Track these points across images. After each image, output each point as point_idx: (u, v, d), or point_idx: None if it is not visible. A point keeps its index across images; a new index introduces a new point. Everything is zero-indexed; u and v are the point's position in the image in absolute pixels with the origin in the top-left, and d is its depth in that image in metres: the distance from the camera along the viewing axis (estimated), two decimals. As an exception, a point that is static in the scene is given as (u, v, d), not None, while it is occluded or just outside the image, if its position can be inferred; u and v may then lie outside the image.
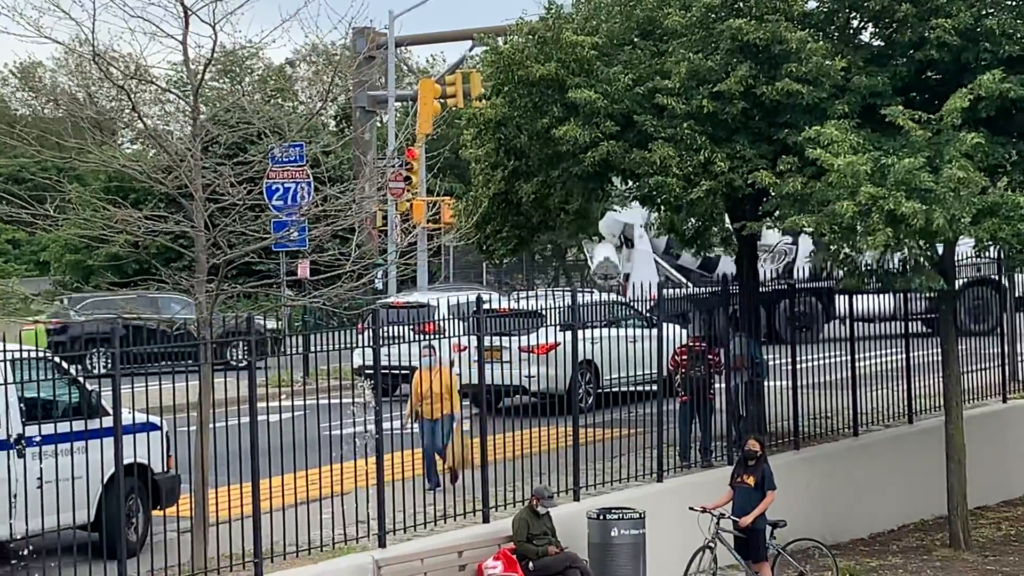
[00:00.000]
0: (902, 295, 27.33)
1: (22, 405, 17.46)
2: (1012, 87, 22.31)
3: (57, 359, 17.63)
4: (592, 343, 23.45)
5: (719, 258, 37.54)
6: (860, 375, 27.13)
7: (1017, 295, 33.52)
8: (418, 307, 31.93)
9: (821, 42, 23.38)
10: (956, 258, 24.65)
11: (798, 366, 25.62)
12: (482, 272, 64.35)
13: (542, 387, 24.28)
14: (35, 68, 77.38)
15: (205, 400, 17.60)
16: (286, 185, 34.51)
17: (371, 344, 19.32)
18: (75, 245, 54.90)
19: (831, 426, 26.47)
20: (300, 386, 23.95)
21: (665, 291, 24.52)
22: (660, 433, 22.95)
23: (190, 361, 17.73)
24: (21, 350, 17.09)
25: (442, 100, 50.79)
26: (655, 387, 23.17)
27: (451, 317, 21.13)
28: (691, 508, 20.78)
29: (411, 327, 21.56)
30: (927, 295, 25.79)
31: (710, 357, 24.09)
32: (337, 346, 19.41)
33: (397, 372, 23.71)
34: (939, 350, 25.46)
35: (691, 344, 24.21)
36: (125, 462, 16.86)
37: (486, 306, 21.13)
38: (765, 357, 25.56)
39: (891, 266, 23.67)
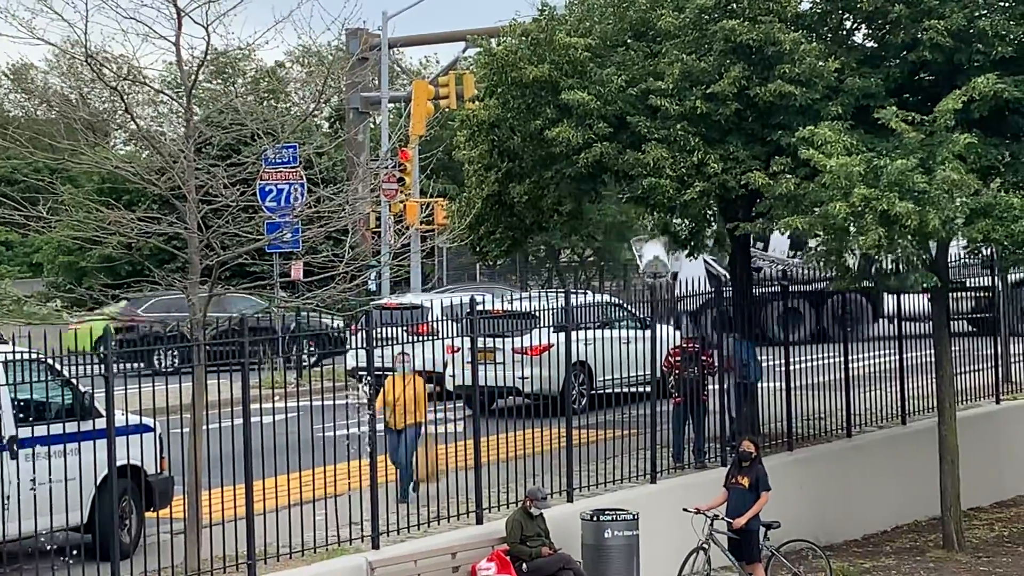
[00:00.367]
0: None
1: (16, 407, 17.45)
2: (1006, 88, 22.33)
3: (49, 360, 17.59)
4: (586, 344, 23.44)
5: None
6: (853, 376, 27.17)
7: None
8: (411, 308, 31.91)
9: (814, 43, 23.40)
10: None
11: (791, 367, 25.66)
12: (476, 273, 64.37)
13: (535, 388, 24.27)
14: (27, 69, 77.33)
15: (198, 402, 17.59)
16: (279, 186, 34.51)
17: (364, 345, 19.32)
18: (68, 247, 54.80)
19: (825, 427, 26.48)
20: (293, 387, 23.91)
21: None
22: (654, 434, 22.96)
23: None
24: (13, 351, 17.08)
25: (435, 101, 50.78)
26: (649, 388, 23.18)
27: (444, 319, 21.12)
28: (685, 509, 20.78)
29: (405, 328, 21.51)
30: (977, 295, 25.90)
31: (703, 358, 24.10)
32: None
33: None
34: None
35: (684, 345, 24.20)
36: (118, 464, 16.85)
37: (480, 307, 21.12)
38: (760, 358, 25.57)
39: (883, 266, 23.69)
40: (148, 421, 18.80)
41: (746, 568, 20.89)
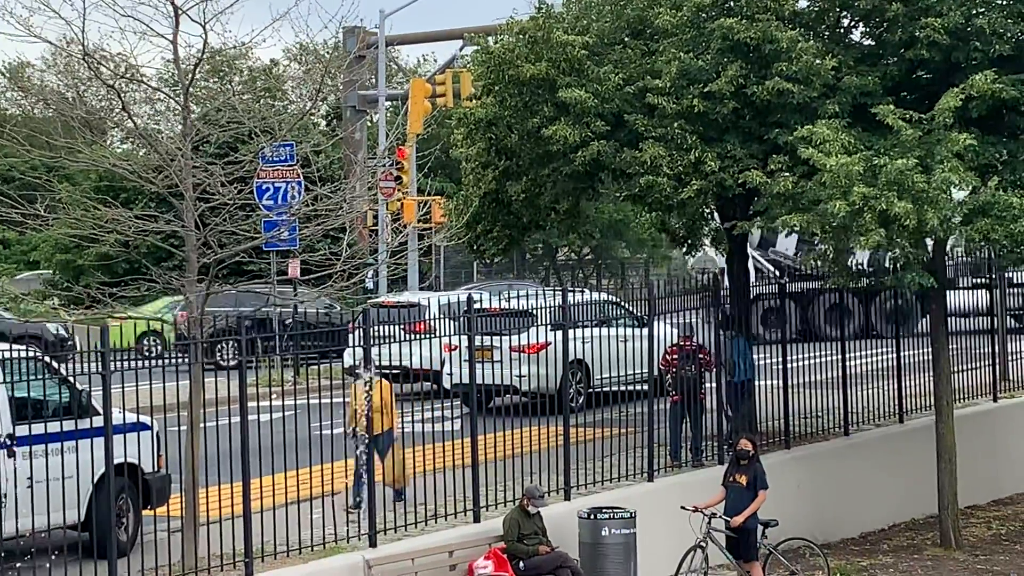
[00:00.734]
0: (996, 291, 27.37)
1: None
2: (1003, 87, 22.33)
3: (47, 358, 17.57)
4: (583, 342, 23.44)
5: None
6: (851, 374, 27.19)
7: None
8: (409, 307, 31.90)
9: (812, 41, 23.40)
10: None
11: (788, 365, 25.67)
12: (472, 272, 64.38)
13: (533, 387, 24.25)
14: (24, 67, 77.27)
15: (195, 400, 17.59)
16: (276, 184, 34.49)
17: (361, 344, 19.32)
18: (65, 244, 54.77)
19: (822, 425, 26.49)
20: (290, 385, 23.93)
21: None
22: (651, 432, 22.96)
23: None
24: (11, 349, 17.07)
25: (433, 99, 50.76)
26: (646, 386, 23.18)
27: (442, 317, 21.10)
28: (683, 507, 20.78)
29: (402, 327, 21.48)
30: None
31: (701, 356, 24.10)
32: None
33: (388, 372, 23.64)
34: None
35: (681, 343, 24.19)
36: (115, 462, 16.84)
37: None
38: (755, 357, 25.58)
39: (877, 265, 23.74)
40: (145, 419, 18.79)
41: (744, 566, 20.88)
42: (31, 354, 17.42)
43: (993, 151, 23.25)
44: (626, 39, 24.78)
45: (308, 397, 19.26)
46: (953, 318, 28.41)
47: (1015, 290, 35.79)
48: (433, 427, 21.10)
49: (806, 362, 26.50)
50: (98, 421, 17.11)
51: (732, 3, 23.85)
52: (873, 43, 24.82)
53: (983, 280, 31.61)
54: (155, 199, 38.43)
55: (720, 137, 23.49)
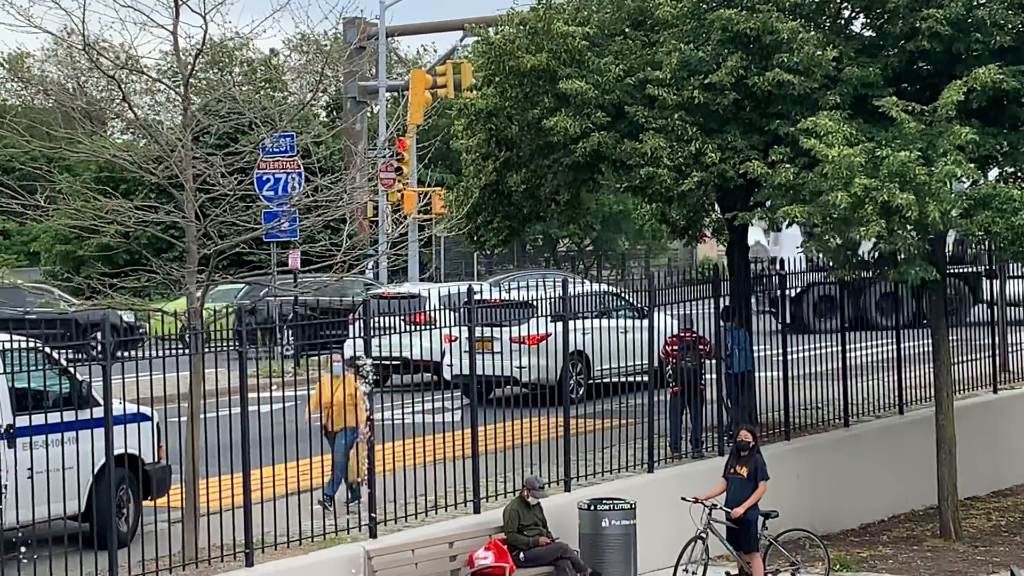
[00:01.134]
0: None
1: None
2: (1005, 79, 22.30)
3: (47, 349, 17.57)
4: (583, 333, 23.44)
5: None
6: (851, 366, 27.20)
7: None
8: (409, 298, 31.90)
9: (812, 32, 23.37)
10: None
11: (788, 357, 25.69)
12: (473, 263, 64.37)
13: (533, 378, 24.26)
14: (24, 58, 77.21)
15: (196, 390, 17.59)
16: (277, 175, 34.45)
17: (362, 335, 19.32)
18: (65, 235, 54.78)
19: (822, 417, 26.49)
20: (291, 376, 23.92)
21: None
22: (651, 424, 22.97)
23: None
24: (11, 340, 17.07)
25: (433, 90, 50.75)
26: (646, 377, 23.19)
27: (442, 308, 21.11)
28: (683, 498, 20.79)
29: (403, 317, 21.47)
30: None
31: (700, 347, 24.10)
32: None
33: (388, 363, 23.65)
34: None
35: (681, 334, 24.19)
36: (116, 452, 16.84)
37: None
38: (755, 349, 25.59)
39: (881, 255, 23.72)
40: (146, 410, 18.79)
41: (744, 557, 20.89)
42: (31, 344, 17.40)
43: (994, 142, 23.23)
44: (626, 30, 24.75)
45: (308, 388, 19.27)
46: (1014, 308, 28.53)
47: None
48: (434, 418, 21.12)
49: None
50: (98, 412, 17.11)
51: (732, -6, 23.82)
52: (874, 34, 24.79)
53: None
54: (155, 190, 38.42)
55: (721, 128, 23.47)
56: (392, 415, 20.40)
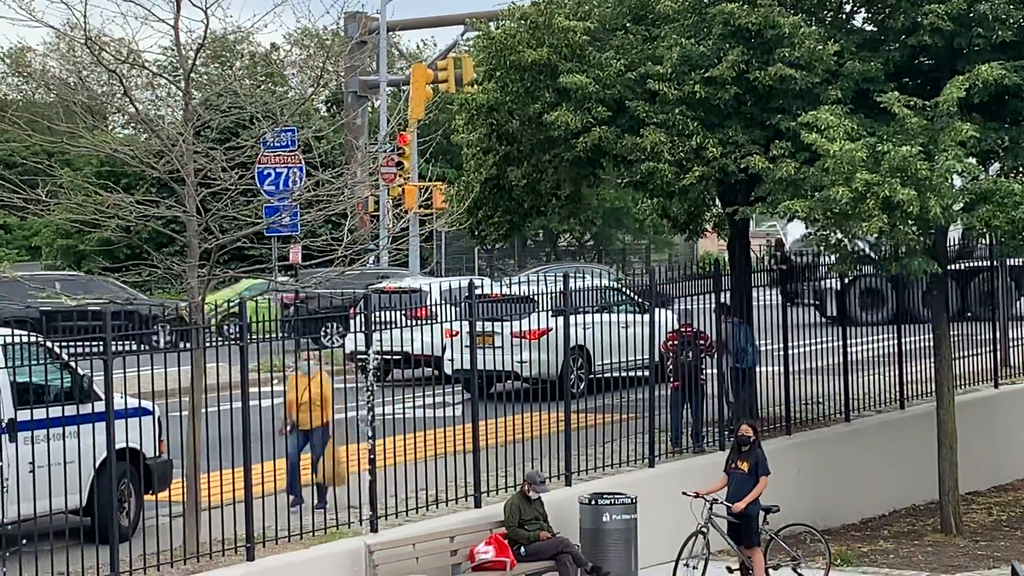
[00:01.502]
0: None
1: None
2: (1006, 74, 22.29)
3: (49, 344, 17.57)
4: (584, 328, 23.44)
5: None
6: (851, 361, 27.20)
7: None
8: (410, 292, 31.92)
9: (814, 27, 23.38)
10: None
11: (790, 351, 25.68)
12: (474, 257, 64.40)
13: (534, 372, 24.27)
14: (25, 52, 77.21)
15: (197, 384, 17.59)
16: (278, 170, 34.44)
17: (363, 329, 19.32)
18: (66, 230, 54.86)
19: (823, 411, 26.49)
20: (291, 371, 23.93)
21: None
22: (652, 418, 22.97)
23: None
24: (12, 334, 17.07)
25: (434, 85, 50.74)
26: (647, 372, 23.18)
27: (443, 302, 21.11)
28: (684, 493, 20.78)
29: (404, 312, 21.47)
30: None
31: (701, 342, 24.10)
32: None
33: (390, 357, 23.66)
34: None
35: (681, 329, 24.19)
36: (117, 447, 16.85)
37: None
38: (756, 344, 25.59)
39: (878, 251, 23.74)
40: (147, 404, 18.80)
41: (745, 552, 20.89)
42: (32, 338, 17.41)
43: (995, 137, 23.23)
44: (627, 24, 24.74)
45: (310, 383, 19.26)
46: None
47: None
48: (435, 413, 21.13)
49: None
50: (100, 406, 17.12)
51: (734, -12, 23.80)
52: (875, 29, 24.79)
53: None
54: (156, 184, 38.45)
55: (722, 123, 23.47)
56: (393, 410, 20.46)
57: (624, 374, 23.76)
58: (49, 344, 17.41)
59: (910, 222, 21.60)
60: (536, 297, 22.66)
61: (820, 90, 22.95)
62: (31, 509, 16.36)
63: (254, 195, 20.59)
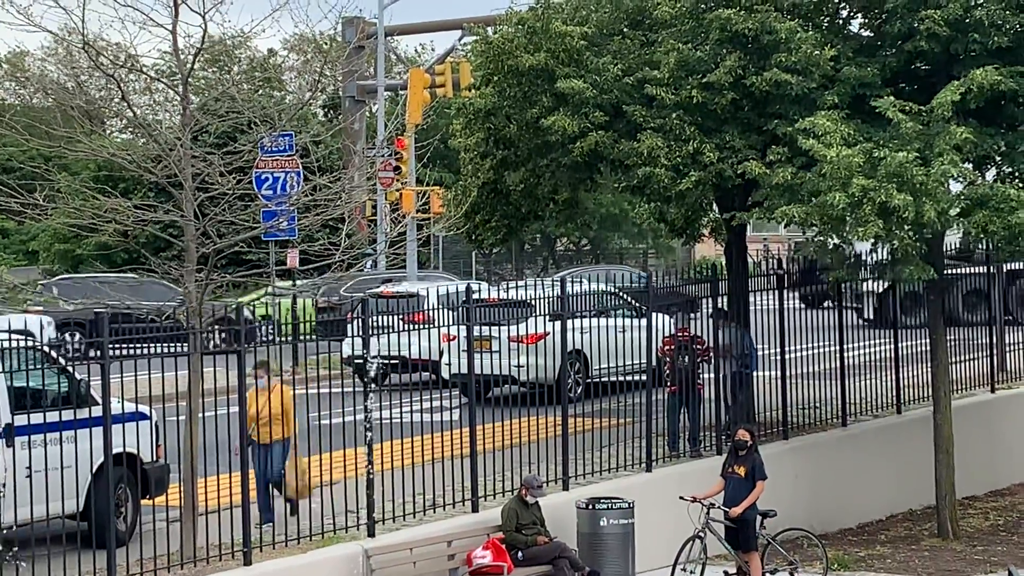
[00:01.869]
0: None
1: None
2: (1002, 79, 22.32)
3: (46, 348, 17.57)
4: (581, 333, 23.45)
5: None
6: (848, 365, 27.19)
7: None
8: (408, 297, 31.92)
9: (810, 32, 23.39)
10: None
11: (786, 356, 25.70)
12: (471, 262, 64.39)
13: (532, 377, 24.27)
14: (23, 57, 77.20)
15: (194, 389, 17.60)
16: (275, 174, 34.46)
17: (360, 334, 19.33)
18: (64, 234, 54.81)
19: (820, 416, 26.50)
20: (289, 375, 23.94)
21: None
22: (649, 423, 22.98)
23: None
24: (9, 339, 17.08)
25: (432, 90, 50.75)
26: (644, 376, 23.19)
27: (440, 307, 21.12)
28: (681, 497, 20.80)
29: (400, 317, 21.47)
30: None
31: (697, 346, 24.11)
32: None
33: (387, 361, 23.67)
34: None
35: (677, 334, 24.19)
36: (114, 451, 16.85)
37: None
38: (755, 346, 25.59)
39: (874, 257, 23.74)
40: (144, 409, 18.80)
41: (742, 556, 20.91)
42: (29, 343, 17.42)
43: (991, 142, 23.25)
44: (625, 30, 24.78)
45: (307, 387, 19.25)
46: None
47: None
48: (432, 417, 21.14)
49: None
50: (97, 411, 17.12)
51: (731, -7, 23.84)
52: (872, 34, 24.82)
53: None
54: (154, 189, 38.43)
55: (719, 128, 23.49)
56: (391, 414, 20.47)
57: (622, 378, 23.75)
58: (46, 348, 17.42)
59: (906, 227, 21.62)
60: (533, 302, 22.68)
61: (817, 95, 22.97)
62: (28, 514, 16.34)
63: (252, 199, 20.60)
